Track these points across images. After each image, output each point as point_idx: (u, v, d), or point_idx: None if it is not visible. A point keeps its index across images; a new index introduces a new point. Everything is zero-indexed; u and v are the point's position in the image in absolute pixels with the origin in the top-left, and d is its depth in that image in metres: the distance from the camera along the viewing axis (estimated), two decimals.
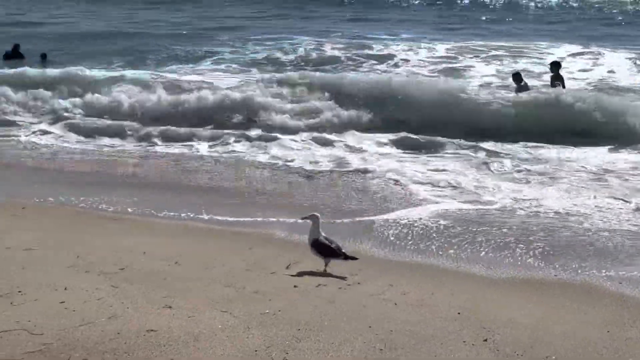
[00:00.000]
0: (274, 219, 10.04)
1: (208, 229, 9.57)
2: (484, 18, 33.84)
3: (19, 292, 6.10)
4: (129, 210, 10.41)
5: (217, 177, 12.83)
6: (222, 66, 23.70)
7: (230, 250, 8.43)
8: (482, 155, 14.04)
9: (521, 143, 14.74)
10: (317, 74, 20.30)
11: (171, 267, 7.38)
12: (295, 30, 30.60)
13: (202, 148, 15.02)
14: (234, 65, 23.61)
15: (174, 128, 16.30)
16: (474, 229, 9.60)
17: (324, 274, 7.54)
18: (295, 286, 6.90)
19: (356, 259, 7.80)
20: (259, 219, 10.10)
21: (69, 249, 7.90)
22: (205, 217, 10.13)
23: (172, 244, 8.56)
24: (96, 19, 32.59)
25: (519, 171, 12.84)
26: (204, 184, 12.39)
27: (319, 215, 7.82)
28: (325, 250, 7.65)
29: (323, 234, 7.73)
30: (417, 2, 38.91)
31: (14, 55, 24.17)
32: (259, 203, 11.07)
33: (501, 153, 14.11)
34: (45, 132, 16.31)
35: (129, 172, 13.42)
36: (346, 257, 7.69)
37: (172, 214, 10.26)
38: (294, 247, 8.74)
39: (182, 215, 10.19)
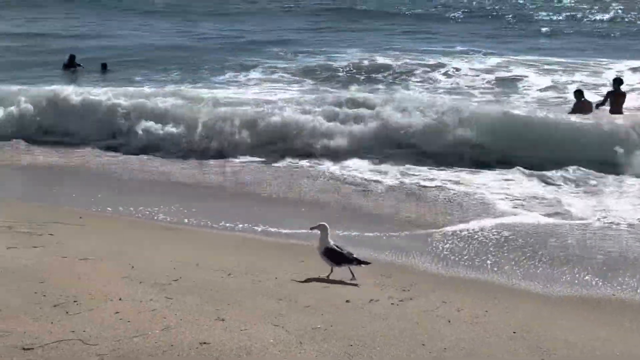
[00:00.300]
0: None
1: (261, 240, 9.61)
2: (539, 30, 33.37)
3: (75, 301, 6.17)
4: (186, 220, 10.53)
5: (273, 188, 12.87)
6: (275, 75, 23.81)
7: (283, 262, 8.43)
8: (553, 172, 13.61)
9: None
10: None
11: (224, 279, 7.40)
12: (347, 42, 30.63)
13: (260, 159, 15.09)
14: (286, 75, 23.69)
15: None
16: (534, 243, 9.48)
17: (376, 290, 7.49)
18: (347, 301, 6.85)
19: (369, 263, 7.95)
20: (311, 231, 10.09)
21: (124, 259, 7.98)
22: (259, 228, 10.18)
23: (226, 255, 8.60)
24: (150, 32, 33.16)
25: (588, 186, 12.64)
26: (261, 195, 12.45)
27: (327, 225, 8.00)
28: (337, 257, 7.81)
29: (332, 242, 7.90)
30: (468, 15, 38.54)
31: (71, 65, 25.16)
32: (314, 215, 11.06)
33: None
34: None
35: (187, 183, 13.56)
36: (359, 262, 7.85)
37: (227, 224, 10.34)
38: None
39: (237, 226, 10.25)
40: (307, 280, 7.59)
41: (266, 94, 20.23)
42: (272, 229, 10.25)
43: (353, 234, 10.04)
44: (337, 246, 7.90)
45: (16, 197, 11.95)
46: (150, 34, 32.89)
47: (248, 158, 15.24)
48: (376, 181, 13.27)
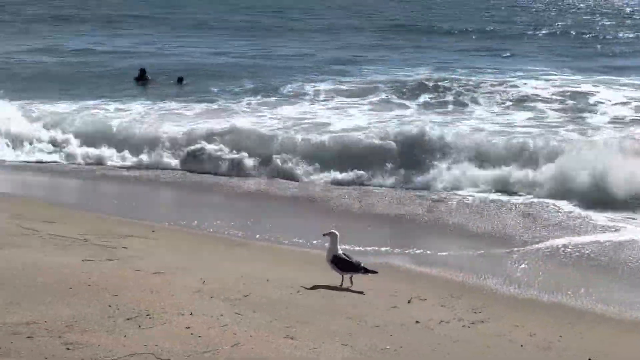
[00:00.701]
0: (398, 249, 9.99)
1: None
2: (616, 50, 32.62)
3: (147, 315, 6.26)
4: (257, 236, 10.61)
5: (345, 205, 12.88)
6: (344, 86, 23.91)
7: (353, 280, 8.39)
8: None
9: None
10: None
11: (293, 295, 7.41)
12: (417, 60, 30.57)
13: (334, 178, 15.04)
14: (355, 92, 23.71)
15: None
16: (610, 264, 9.25)
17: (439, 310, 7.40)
18: (417, 322, 6.78)
19: (376, 272, 8.05)
20: (382, 249, 10.09)
21: (195, 273, 8.07)
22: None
23: (296, 272, 8.62)
24: (221, 48, 33.83)
25: None
26: (333, 211, 12.48)
27: (337, 232, 8.11)
28: (345, 265, 7.97)
29: (340, 250, 8.02)
30: (548, 35, 37.91)
31: (142, 78, 26.17)
32: (384, 232, 11.06)
33: None
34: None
35: (258, 198, 13.69)
36: (366, 270, 8.00)
37: (298, 240, 10.39)
38: (416, 279, 8.64)
39: (307, 243, 10.28)
40: (376, 300, 7.54)
41: (340, 112, 20.41)
42: (345, 246, 10.23)
43: (427, 252, 10.01)
44: (345, 255, 8.05)
45: (92, 209, 12.23)
46: (221, 50, 33.52)
47: (320, 175, 15.22)
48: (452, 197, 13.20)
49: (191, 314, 6.40)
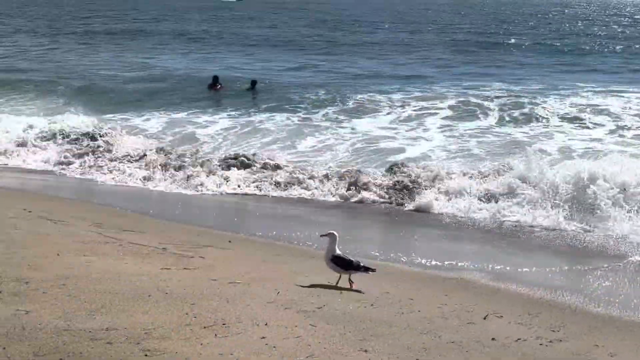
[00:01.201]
0: (475, 264, 9.87)
1: (405, 271, 9.55)
2: None
3: (223, 324, 6.32)
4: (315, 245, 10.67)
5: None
6: (425, 102, 23.83)
7: (426, 295, 8.33)
8: None
9: None
10: None
11: (367, 309, 7.37)
12: (492, 76, 30.35)
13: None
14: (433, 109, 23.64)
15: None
16: None
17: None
18: (493, 339, 6.66)
19: (374, 270, 8.35)
20: (459, 263, 10.00)
21: (270, 284, 8.13)
22: (404, 258, 10.15)
23: (369, 285, 8.57)
24: (290, 63, 34.41)
25: None
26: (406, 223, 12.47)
27: (335, 233, 8.38)
28: (345, 264, 8.24)
29: (338, 250, 8.27)
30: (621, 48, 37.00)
31: (214, 85, 28.05)
32: (459, 247, 10.94)
33: None
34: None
35: (330, 210, 13.74)
36: (366, 269, 8.28)
37: (372, 254, 10.37)
38: (492, 295, 8.49)
39: (381, 256, 10.26)
40: (451, 315, 7.44)
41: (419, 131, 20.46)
42: (417, 260, 10.20)
43: (506, 268, 9.88)
44: (344, 254, 8.33)
45: (170, 219, 12.46)
46: (294, 63, 33.99)
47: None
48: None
49: (266, 324, 6.44)
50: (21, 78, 29.89)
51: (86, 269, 7.87)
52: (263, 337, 6.06)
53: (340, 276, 8.33)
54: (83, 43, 44.86)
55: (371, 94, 26.13)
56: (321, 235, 8.67)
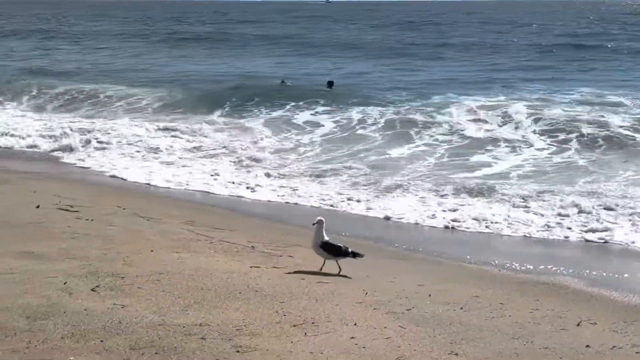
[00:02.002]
0: (569, 269, 9.66)
1: (495, 274, 9.40)
2: None
3: (313, 323, 6.36)
4: (420, 249, 10.58)
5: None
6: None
7: (517, 299, 8.17)
8: None
9: None
10: None
11: (456, 312, 7.29)
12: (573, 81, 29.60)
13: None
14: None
15: None
16: None
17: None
18: (587, 346, 6.48)
19: (363, 256, 8.72)
20: (552, 268, 9.81)
21: (357, 285, 8.15)
22: (494, 261, 10.02)
23: (457, 288, 8.49)
24: (367, 66, 34.47)
25: None
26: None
27: (323, 219, 8.75)
28: (334, 250, 8.60)
29: (327, 237, 8.61)
30: None
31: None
32: (553, 252, 10.72)
33: None
34: None
35: None
36: (354, 254, 8.63)
37: (462, 256, 10.26)
38: (586, 302, 8.27)
39: (472, 259, 10.14)
40: (543, 321, 7.27)
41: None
42: (509, 264, 10.03)
43: (602, 273, 9.63)
44: (332, 241, 8.69)
45: (259, 218, 12.61)
46: (368, 67, 34.07)
47: None
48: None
49: (355, 324, 6.45)
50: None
51: (179, 265, 8.05)
52: (352, 337, 6.07)
53: (324, 261, 8.68)
54: (175, 47, 45.93)
55: (448, 95, 25.88)
56: (313, 224, 8.85)
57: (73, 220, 9.86)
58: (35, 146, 19.57)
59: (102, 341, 5.55)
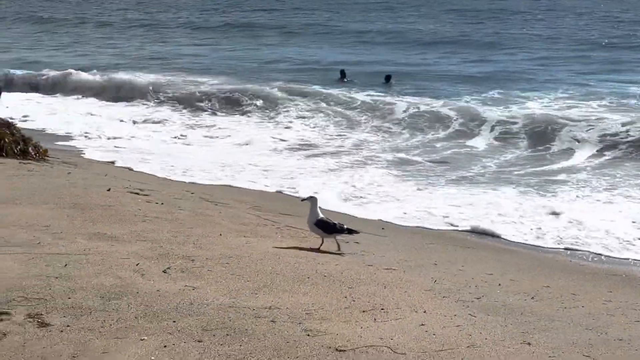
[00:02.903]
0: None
1: (566, 264, 9.23)
2: None
3: (382, 309, 6.33)
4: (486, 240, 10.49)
5: None
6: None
7: (589, 290, 8.01)
8: None
9: None
10: None
11: (527, 302, 7.17)
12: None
13: None
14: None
15: None
16: None
17: None
18: None
19: (358, 232, 8.84)
20: (622, 258, 9.60)
21: (426, 272, 8.09)
22: (565, 252, 9.87)
23: (527, 278, 8.37)
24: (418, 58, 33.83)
25: None
26: None
27: (316, 197, 8.82)
28: (329, 227, 8.55)
29: (321, 214, 8.59)
30: None
31: (342, 79, 28.14)
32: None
33: None
34: None
35: None
36: (350, 231, 8.66)
37: (534, 244, 10.12)
38: None
39: (544, 247, 10.00)
40: (618, 312, 7.10)
41: None
42: (580, 254, 9.85)
43: None
44: (327, 218, 8.67)
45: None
46: (421, 59, 33.46)
47: None
48: None
49: (424, 311, 6.39)
50: None
51: (247, 249, 8.10)
52: (422, 324, 6.02)
53: (322, 240, 8.58)
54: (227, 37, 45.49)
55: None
56: (302, 200, 9.05)
57: (143, 204, 10.01)
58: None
59: (174, 322, 5.61)
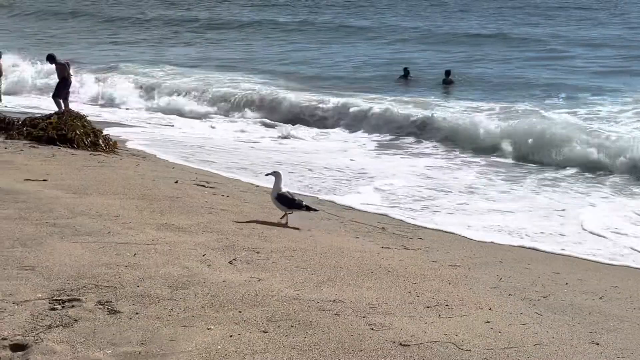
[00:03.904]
0: None
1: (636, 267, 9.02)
2: None
3: (446, 305, 6.29)
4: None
5: None
6: None
7: None
8: None
9: None
10: None
11: (595, 302, 7.04)
12: None
13: None
14: None
15: None
16: None
17: None
18: None
19: (317, 210, 9.21)
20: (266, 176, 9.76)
21: (490, 269, 8.01)
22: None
23: (595, 278, 8.23)
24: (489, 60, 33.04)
25: None
26: None
27: (281, 172, 9.10)
28: (289, 202, 8.86)
29: (285, 189, 8.94)
30: None
31: (405, 77, 27.77)
32: None
33: None
34: None
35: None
36: (308, 208, 8.95)
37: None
38: None
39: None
40: None
41: None
42: None
43: None
44: (289, 193, 8.99)
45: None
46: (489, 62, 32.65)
47: None
48: None
49: (490, 309, 6.33)
50: None
51: (311, 242, 8.15)
52: (487, 322, 5.96)
53: (286, 214, 8.92)
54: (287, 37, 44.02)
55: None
56: (266, 175, 9.47)
57: (210, 196, 10.15)
58: None
59: (240, 312, 5.68)
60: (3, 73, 22.78)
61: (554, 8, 52.96)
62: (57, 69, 19.89)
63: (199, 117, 22.66)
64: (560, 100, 23.27)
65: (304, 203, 9.01)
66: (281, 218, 9.01)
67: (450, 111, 21.10)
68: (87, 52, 34.45)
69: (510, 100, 22.83)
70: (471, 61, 31.96)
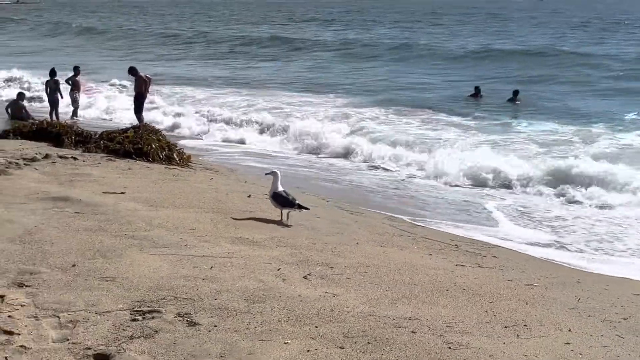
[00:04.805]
0: None
1: None
2: None
3: (524, 326, 6.18)
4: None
5: None
6: None
7: None
8: None
9: None
10: None
11: None
12: None
13: None
14: None
15: None
16: None
17: None
18: None
19: (308, 209, 9.53)
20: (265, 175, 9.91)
21: (568, 290, 7.84)
22: None
23: None
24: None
25: None
26: None
27: (278, 171, 9.51)
28: (283, 201, 9.30)
29: (281, 188, 9.36)
30: None
31: (476, 95, 28.19)
32: None
33: None
34: None
35: None
36: (300, 207, 9.34)
37: None
38: None
39: None
40: None
41: None
42: None
43: None
44: (285, 192, 9.38)
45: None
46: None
47: None
48: None
49: (569, 330, 6.19)
50: None
51: (384, 259, 8.12)
52: (567, 343, 5.84)
53: (281, 212, 9.38)
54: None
55: None
56: (265, 174, 9.81)
57: None
58: None
59: (316, 327, 5.69)
60: (81, 88, 23.43)
61: None
62: (135, 81, 20.30)
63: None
64: None
65: (296, 202, 9.38)
66: (281, 219, 9.41)
67: None
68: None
69: None
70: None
